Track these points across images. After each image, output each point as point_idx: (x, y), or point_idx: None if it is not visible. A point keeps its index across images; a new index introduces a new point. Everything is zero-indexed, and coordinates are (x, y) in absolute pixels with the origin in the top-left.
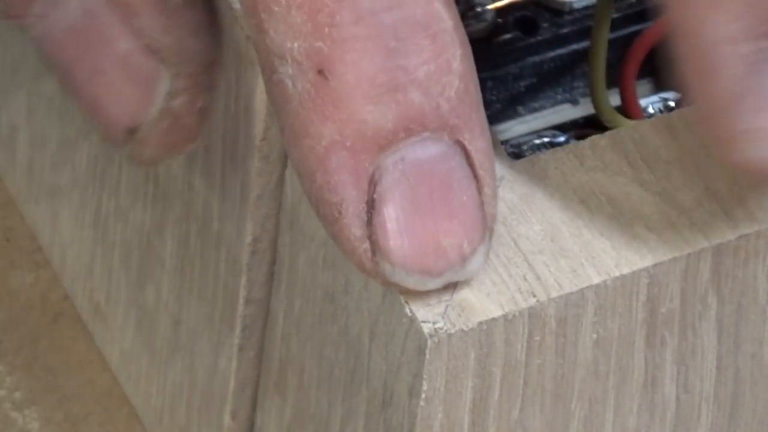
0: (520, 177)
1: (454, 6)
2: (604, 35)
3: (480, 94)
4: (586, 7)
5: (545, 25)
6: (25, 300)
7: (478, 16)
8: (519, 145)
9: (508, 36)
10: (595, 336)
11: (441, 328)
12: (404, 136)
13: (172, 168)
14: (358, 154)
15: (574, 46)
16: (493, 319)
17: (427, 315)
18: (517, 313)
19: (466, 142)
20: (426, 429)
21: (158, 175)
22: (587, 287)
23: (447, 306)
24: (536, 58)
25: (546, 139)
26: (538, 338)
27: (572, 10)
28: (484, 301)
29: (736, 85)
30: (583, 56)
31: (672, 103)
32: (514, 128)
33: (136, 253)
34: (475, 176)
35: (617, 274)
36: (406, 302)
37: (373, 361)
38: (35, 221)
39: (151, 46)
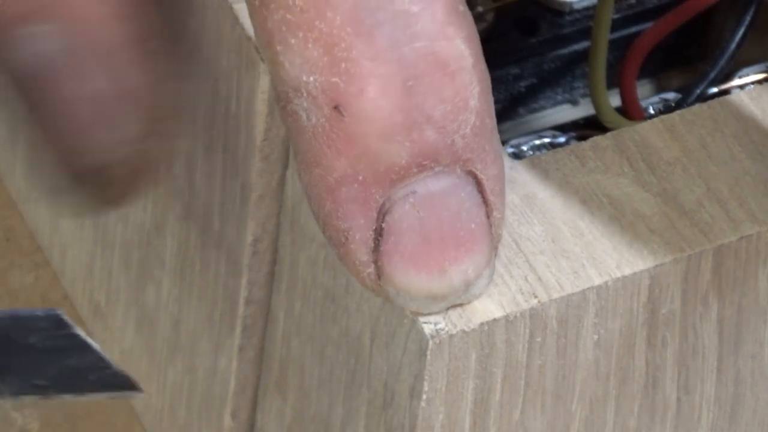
0: (521, 178)
1: (476, 39)
2: (605, 36)
3: (495, 123)
4: (587, 8)
5: (545, 25)
6: (25, 300)
7: (479, 17)
8: (519, 146)
9: (508, 36)
10: (596, 337)
11: (442, 329)
12: (417, 171)
13: (173, 168)
14: (369, 187)
15: (575, 47)
16: (495, 320)
17: (428, 316)
18: (518, 314)
19: (478, 172)
20: (427, 430)
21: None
22: (588, 288)
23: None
24: (536, 59)
25: (546, 140)
26: (539, 339)
27: (572, 11)
28: (485, 301)
29: None
30: (584, 57)
31: (672, 104)
32: (514, 129)
33: (137, 254)
34: (485, 201)
35: (618, 275)
36: None
37: (374, 361)
38: (35, 221)
39: (125, 86)
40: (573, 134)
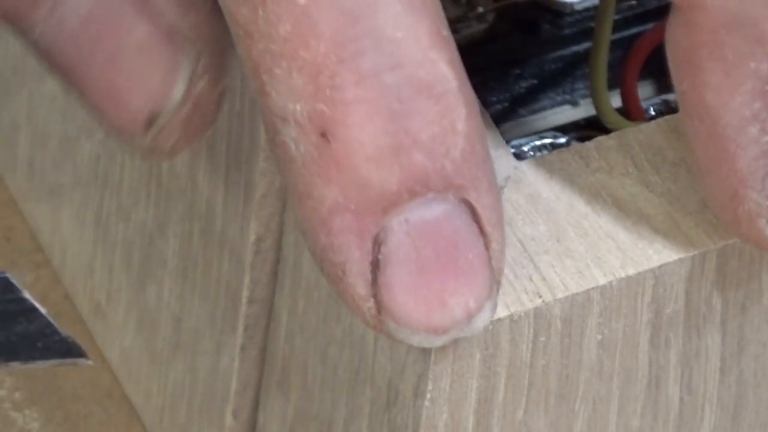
0: (525, 178)
1: (459, 64)
2: (606, 36)
3: (488, 151)
4: (587, 9)
5: (546, 26)
6: None
7: (480, 17)
8: (520, 147)
9: (509, 37)
10: (599, 337)
11: None
12: (408, 197)
13: (176, 167)
14: (362, 216)
15: (575, 48)
16: (499, 320)
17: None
18: (522, 314)
19: (472, 200)
20: (430, 429)
21: (161, 174)
22: (593, 288)
23: None
24: (537, 59)
25: (547, 141)
26: (543, 339)
27: (573, 11)
28: None
29: (757, 165)
30: (585, 57)
31: (673, 105)
32: (515, 129)
33: (138, 253)
34: (483, 233)
35: (623, 275)
36: None
37: (378, 361)
38: (36, 220)
39: (170, 29)
40: (574, 135)
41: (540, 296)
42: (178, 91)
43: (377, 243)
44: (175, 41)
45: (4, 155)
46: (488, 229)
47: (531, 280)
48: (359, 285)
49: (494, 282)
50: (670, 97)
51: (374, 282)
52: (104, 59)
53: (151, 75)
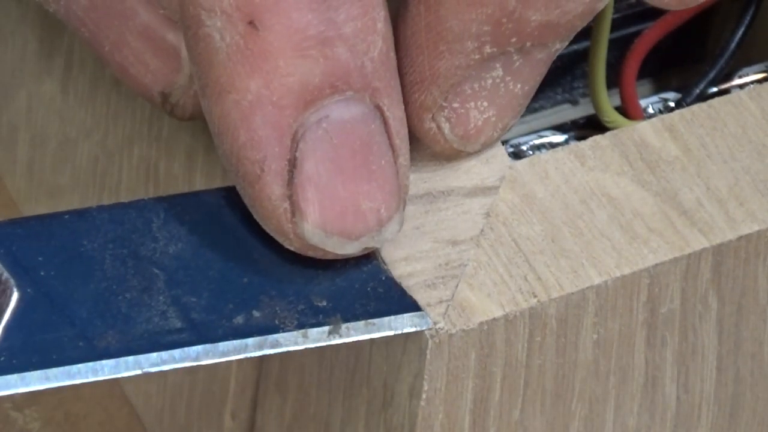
0: (520, 177)
1: None
2: (605, 35)
3: (396, 62)
4: None
5: None
6: None
7: None
8: (519, 145)
9: None
10: (595, 336)
11: (442, 329)
12: (329, 92)
13: (173, 168)
14: (284, 109)
15: (574, 47)
16: (494, 320)
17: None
18: (517, 314)
19: (384, 108)
20: (426, 429)
21: (159, 175)
22: (588, 287)
23: (448, 306)
24: None
25: (546, 139)
26: (538, 338)
27: None
28: (484, 301)
29: (455, 73)
30: (584, 56)
31: (672, 104)
32: (515, 128)
33: None
34: (391, 145)
35: (618, 274)
36: None
37: (374, 361)
38: None
39: (169, 16)
40: (573, 134)
41: (535, 296)
42: (183, 74)
43: (296, 140)
44: (177, 28)
45: (3, 157)
46: (396, 141)
47: (526, 279)
48: (276, 183)
49: (401, 197)
50: (669, 95)
51: (290, 182)
52: (112, 42)
53: (156, 59)
